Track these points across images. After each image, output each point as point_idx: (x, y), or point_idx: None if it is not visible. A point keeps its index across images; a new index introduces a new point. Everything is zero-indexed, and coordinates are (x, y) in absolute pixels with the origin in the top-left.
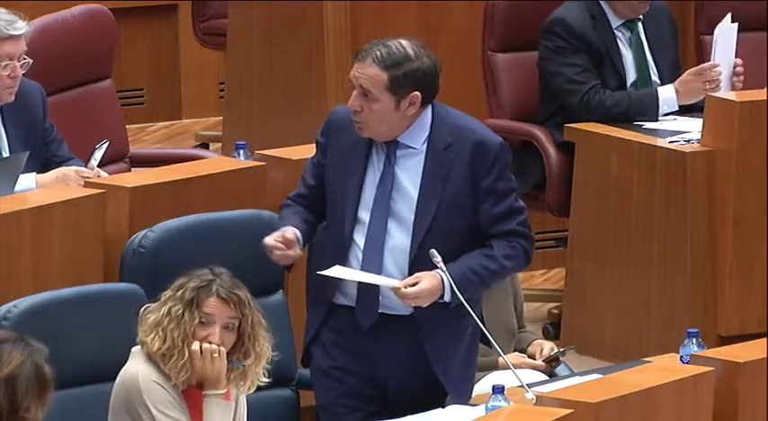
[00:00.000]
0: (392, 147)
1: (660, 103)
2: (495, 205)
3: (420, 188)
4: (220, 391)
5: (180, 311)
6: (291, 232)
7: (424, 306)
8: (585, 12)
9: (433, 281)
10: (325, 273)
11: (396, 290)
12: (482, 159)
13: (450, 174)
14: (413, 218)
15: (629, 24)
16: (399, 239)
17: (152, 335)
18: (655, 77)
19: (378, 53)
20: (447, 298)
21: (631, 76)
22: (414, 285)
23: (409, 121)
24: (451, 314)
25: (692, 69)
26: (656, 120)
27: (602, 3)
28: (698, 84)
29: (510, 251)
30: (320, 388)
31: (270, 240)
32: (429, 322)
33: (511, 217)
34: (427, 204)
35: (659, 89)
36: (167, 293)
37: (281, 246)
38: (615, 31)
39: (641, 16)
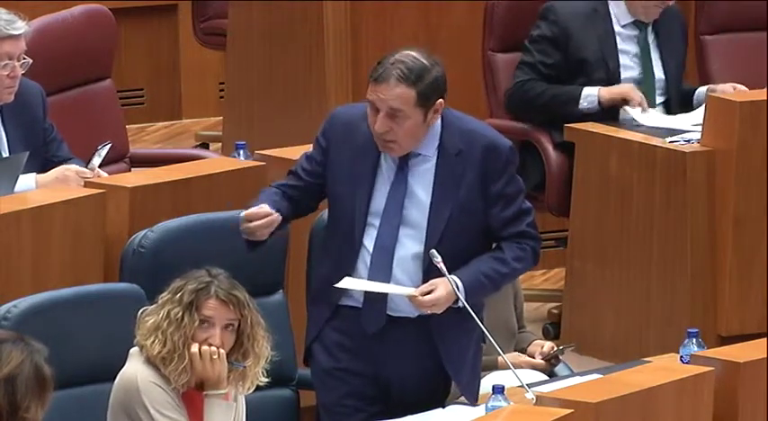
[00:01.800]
0: (404, 157)
1: (581, 100)
2: (505, 209)
3: (432, 194)
4: (221, 391)
5: (179, 314)
6: (267, 207)
7: (440, 312)
8: (588, 8)
9: (449, 287)
10: (338, 285)
11: (412, 298)
12: (493, 163)
13: (463, 178)
14: (426, 224)
15: (638, 23)
16: (411, 247)
17: (151, 339)
18: (660, 74)
19: (398, 72)
20: (461, 303)
21: (634, 72)
22: (429, 292)
23: (429, 130)
24: (461, 317)
25: (629, 89)
26: (578, 114)
27: (609, 2)
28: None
29: (520, 253)
30: (322, 388)
31: (246, 212)
32: (442, 325)
33: (520, 219)
34: (441, 210)
35: (585, 87)
36: (165, 296)
37: (259, 214)
38: (622, 29)
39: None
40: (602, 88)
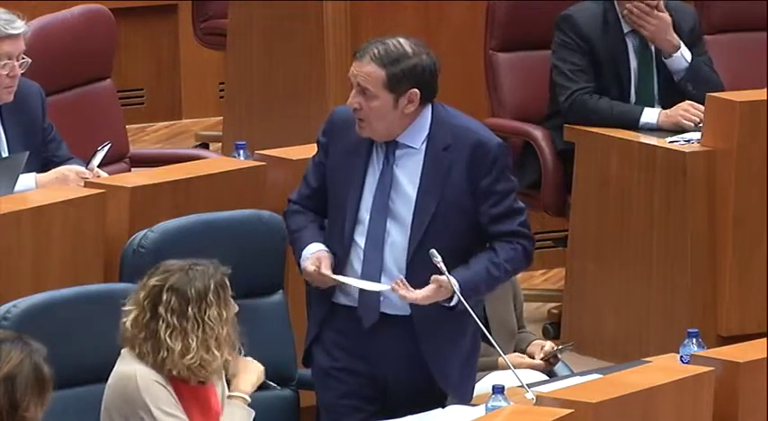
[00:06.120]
0: (391, 147)
1: (640, 125)
2: (495, 206)
3: (419, 188)
4: (245, 396)
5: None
6: (326, 257)
7: (425, 304)
8: (600, 15)
9: (439, 284)
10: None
11: (394, 287)
12: (481, 160)
13: (450, 174)
14: (411, 217)
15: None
16: (398, 239)
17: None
18: (655, 89)
19: (375, 51)
20: (453, 302)
21: (634, 84)
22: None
23: (409, 120)
24: (451, 314)
25: (681, 119)
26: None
27: (617, 7)
28: (681, 115)
29: (513, 253)
30: (321, 388)
31: (311, 267)
32: (427, 322)
33: (511, 217)
34: (426, 204)
35: (645, 110)
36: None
37: (323, 272)
38: (625, 37)
39: None
40: (662, 113)
